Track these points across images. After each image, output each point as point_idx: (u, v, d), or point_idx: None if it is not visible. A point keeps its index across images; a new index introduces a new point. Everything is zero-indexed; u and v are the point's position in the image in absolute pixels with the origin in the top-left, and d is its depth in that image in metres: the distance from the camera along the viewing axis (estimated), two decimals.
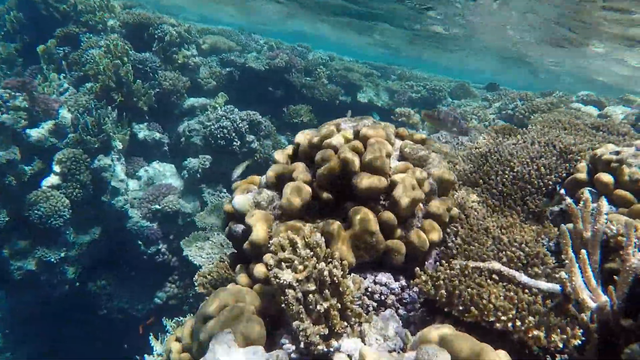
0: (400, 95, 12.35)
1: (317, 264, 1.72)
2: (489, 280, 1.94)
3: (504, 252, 2.16)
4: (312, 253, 1.77)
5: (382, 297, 2.08)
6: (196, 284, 3.09)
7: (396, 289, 2.09)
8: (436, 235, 2.19)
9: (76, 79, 8.57)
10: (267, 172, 2.37)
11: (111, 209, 7.29)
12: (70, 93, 8.12)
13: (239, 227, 2.26)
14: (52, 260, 6.82)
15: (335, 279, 1.73)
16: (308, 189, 2.15)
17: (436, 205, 2.25)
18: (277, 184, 2.31)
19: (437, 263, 2.27)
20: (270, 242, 1.86)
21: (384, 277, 2.10)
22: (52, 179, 7.03)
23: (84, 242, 7.35)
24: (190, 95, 9.23)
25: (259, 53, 12.16)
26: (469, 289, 1.86)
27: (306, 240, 1.83)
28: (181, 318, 3.68)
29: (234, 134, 7.64)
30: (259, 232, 2.07)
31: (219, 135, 7.60)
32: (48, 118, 7.29)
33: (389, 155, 2.17)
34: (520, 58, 16.04)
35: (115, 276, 7.96)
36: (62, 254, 6.93)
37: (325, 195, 2.16)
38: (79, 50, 8.44)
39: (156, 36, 8.76)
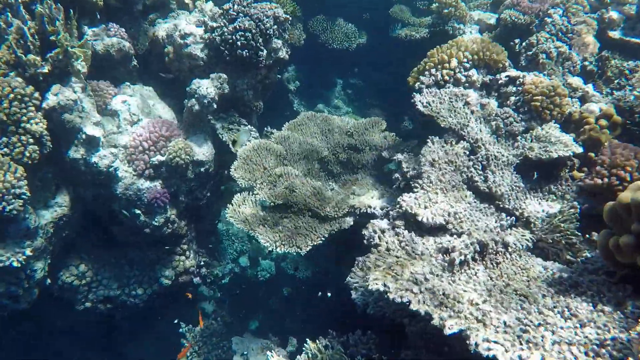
0: None
1: None
2: None
3: None
4: None
5: None
6: None
7: None
8: None
9: None
10: None
11: (90, 169, 4.67)
12: None
13: None
14: (14, 264, 4.23)
15: None
16: None
17: None
18: None
19: None
20: None
21: None
22: None
23: (48, 221, 4.75)
24: None
25: None
26: None
27: None
28: None
29: (259, 38, 5.09)
30: None
31: (238, 42, 5.01)
32: None
33: None
34: None
35: (96, 258, 5.51)
36: (27, 251, 4.35)
37: None
38: None
39: None
